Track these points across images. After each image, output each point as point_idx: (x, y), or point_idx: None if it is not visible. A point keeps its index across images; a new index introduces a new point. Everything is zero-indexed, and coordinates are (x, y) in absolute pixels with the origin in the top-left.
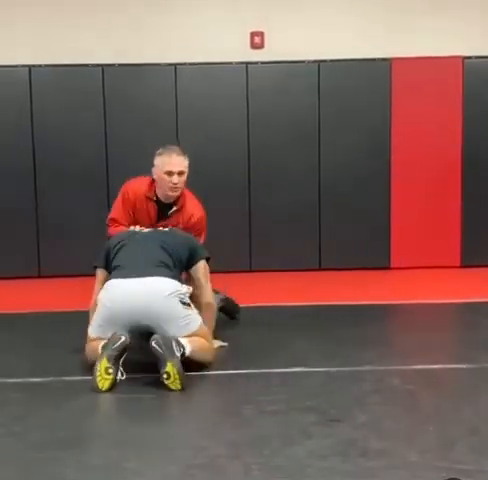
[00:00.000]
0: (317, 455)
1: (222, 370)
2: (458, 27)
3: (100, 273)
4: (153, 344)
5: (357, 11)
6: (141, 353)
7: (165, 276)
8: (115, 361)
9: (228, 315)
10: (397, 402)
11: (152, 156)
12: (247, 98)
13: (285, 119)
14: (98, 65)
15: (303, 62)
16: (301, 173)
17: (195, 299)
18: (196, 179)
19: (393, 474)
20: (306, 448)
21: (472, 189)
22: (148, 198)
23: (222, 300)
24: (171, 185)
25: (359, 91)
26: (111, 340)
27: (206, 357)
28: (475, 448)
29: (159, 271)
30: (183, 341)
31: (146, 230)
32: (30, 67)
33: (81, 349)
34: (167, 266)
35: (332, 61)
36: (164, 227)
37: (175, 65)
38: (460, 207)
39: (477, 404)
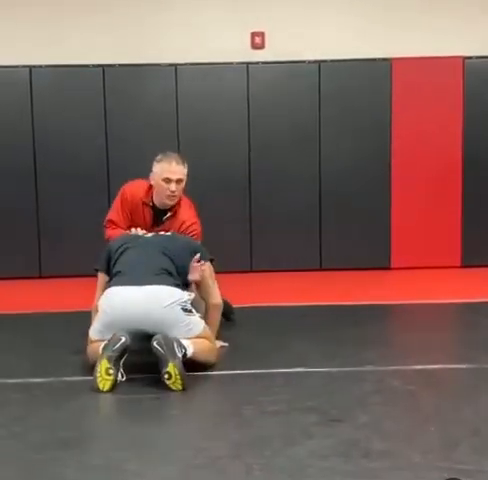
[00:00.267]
0: (318, 455)
1: (223, 370)
2: (458, 27)
3: (101, 276)
4: (154, 344)
5: (357, 11)
6: (142, 354)
7: (166, 284)
8: (116, 362)
9: (223, 316)
10: (398, 402)
11: (152, 156)
12: (248, 98)
13: (286, 119)
14: (98, 65)
15: (304, 62)
16: (301, 173)
17: (202, 298)
18: (196, 179)
19: (395, 475)
20: (307, 448)
21: (472, 189)
22: (145, 203)
23: None
24: (169, 193)
25: (359, 91)
26: (111, 341)
27: (209, 358)
28: (477, 449)
29: (160, 279)
30: (185, 342)
31: (149, 235)
32: (30, 68)
33: (82, 349)
34: (169, 273)
35: (332, 61)
36: (166, 231)
37: (175, 65)
38: (460, 207)
39: (477, 404)
